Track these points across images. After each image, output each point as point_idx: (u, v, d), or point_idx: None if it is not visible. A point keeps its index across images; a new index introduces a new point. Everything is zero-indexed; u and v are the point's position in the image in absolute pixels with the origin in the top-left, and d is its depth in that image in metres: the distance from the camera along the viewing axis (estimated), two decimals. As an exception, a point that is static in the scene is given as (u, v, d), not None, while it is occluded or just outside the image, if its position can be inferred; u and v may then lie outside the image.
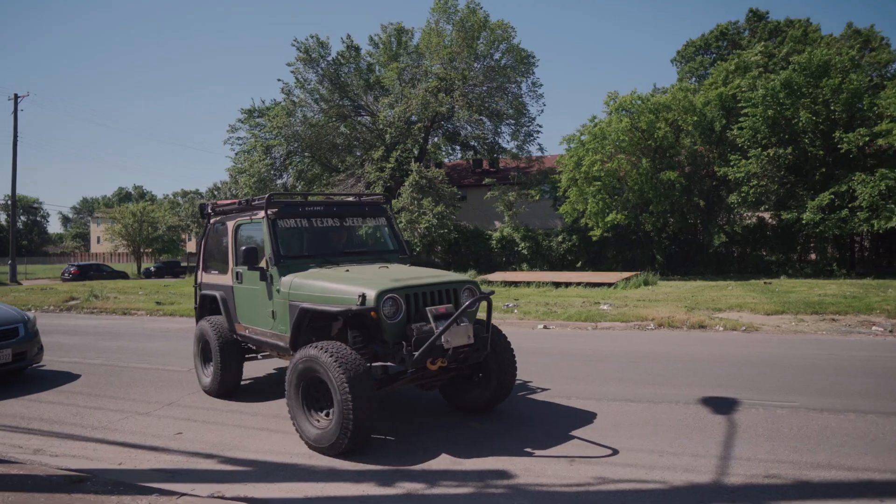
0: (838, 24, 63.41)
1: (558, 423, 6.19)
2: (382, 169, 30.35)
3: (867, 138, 22.93)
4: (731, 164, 25.70)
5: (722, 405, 6.61)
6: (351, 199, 7.76)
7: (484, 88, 32.30)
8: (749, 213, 28.34)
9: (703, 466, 4.91)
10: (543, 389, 7.48)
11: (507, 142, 34.33)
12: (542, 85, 33.37)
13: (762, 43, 31.93)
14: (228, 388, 7.33)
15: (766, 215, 27.68)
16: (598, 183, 26.70)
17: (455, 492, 4.58)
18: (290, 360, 6.66)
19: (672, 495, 4.41)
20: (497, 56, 32.51)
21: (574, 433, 5.87)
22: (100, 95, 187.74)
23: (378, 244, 7.47)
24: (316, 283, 5.86)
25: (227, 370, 7.20)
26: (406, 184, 29.43)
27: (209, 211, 7.78)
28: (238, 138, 36.11)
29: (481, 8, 31.88)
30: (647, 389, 7.39)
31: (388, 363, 5.58)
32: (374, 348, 5.63)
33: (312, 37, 32.34)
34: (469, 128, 33.90)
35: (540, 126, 63.64)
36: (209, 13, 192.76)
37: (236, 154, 36.54)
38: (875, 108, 23.18)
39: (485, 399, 6.36)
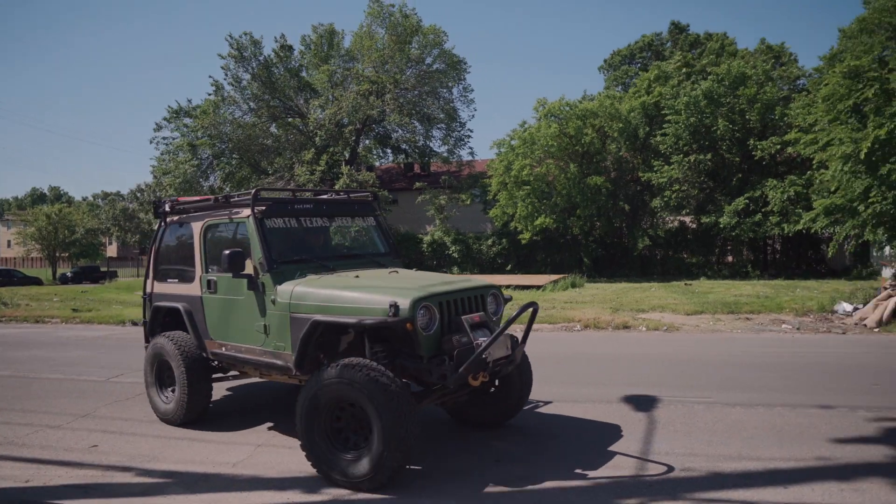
0: (752, 39, 66.71)
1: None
2: (313, 171, 29.96)
3: (778, 146, 24.20)
4: (655, 169, 26.64)
5: (643, 403, 6.83)
6: (333, 196, 6.95)
7: (415, 92, 32.36)
8: (671, 217, 29.40)
9: (624, 462, 5.06)
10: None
11: (439, 146, 34.53)
12: (473, 90, 33.82)
13: (679, 53, 33.25)
14: (196, 414, 6.29)
15: (687, 219, 28.79)
16: (528, 187, 27.15)
17: (381, 496, 4.56)
18: (281, 380, 5.98)
19: (594, 492, 4.53)
20: (429, 61, 32.64)
21: (497, 433, 5.95)
22: (12, 91, 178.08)
23: (369, 246, 6.75)
24: (330, 293, 5.12)
25: (196, 394, 6.17)
26: (336, 187, 29.14)
27: (166, 209, 6.69)
28: (164, 138, 34.96)
29: (415, 13, 31.97)
30: (572, 389, 7.56)
31: (407, 381, 5.14)
32: (403, 364, 5.01)
33: (246, 34, 31.69)
34: (400, 131, 33.89)
35: (471, 130, 64.34)
36: (135, 8, 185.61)
37: (161, 154, 35.36)
38: (785, 118, 24.49)
39: (500, 413, 5.98)
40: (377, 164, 39.81)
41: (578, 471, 4.90)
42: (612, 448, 5.41)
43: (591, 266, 28.88)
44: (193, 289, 6.23)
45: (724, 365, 8.76)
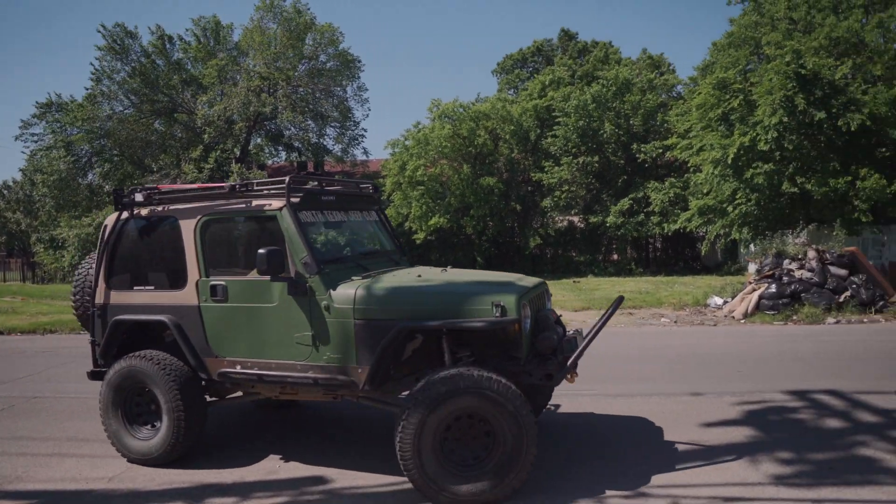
0: (635, 48, 70.36)
1: (356, 424, 6.26)
2: (201, 169, 28.77)
3: (660, 151, 25.68)
4: (545, 170, 27.56)
5: (531, 397, 7.05)
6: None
7: (309, 90, 31.81)
8: (560, 217, 30.45)
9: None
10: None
11: (332, 145, 34.08)
12: (367, 89, 33.59)
13: (562, 59, 34.60)
14: (187, 449, 5.26)
15: (576, 219, 29.94)
16: (422, 187, 27.34)
17: (270, 502, 4.47)
18: (312, 399, 5.37)
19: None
20: (323, 58, 32.17)
21: (385, 433, 5.96)
22: None
23: (377, 243, 6.09)
24: (417, 295, 4.66)
25: (194, 425, 5.16)
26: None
27: (136, 199, 5.43)
28: (33, 134, 32.39)
29: (308, 9, 31.42)
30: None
31: None
32: (498, 367, 4.59)
33: (119, 25, 29.92)
34: (293, 129, 33.18)
35: (365, 130, 63.99)
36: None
37: (32, 152, 32.74)
38: (665, 124, 26.04)
39: (537, 411, 5.76)
40: (269, 162, 38.82)
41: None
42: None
43: (484, 265, 29.41)
44: (184, 297, 5.19)
45: (607, 358, 9.17)
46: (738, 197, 16.68)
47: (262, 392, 5.37)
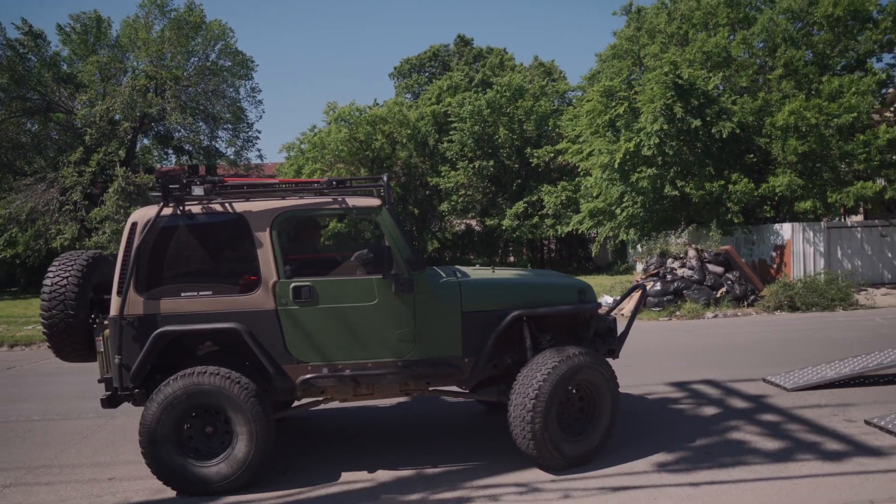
0: (528, 55, 72.55)
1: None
2: (81, 173, 27.04)
3: (552, 155, 26.59)
4: (442, 175, 27.89)
5: (429, 403, 7.12)
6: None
7: (199, 89, 30.61)
8: (458, 221, 30.92)
9: (407, 462, 5.26)
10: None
11: (225, 147, 32.95)
12: (261, 91, 32.72)
13: (458, 64, 35.21)
14: (258, 469, 4.69)
15: (473, 222, 30.48)
16: (320, 191, 26.96)
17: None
18: (392, 397, 5.61)
19: (390, 487, 4.66)
20: (213, 57, 31.04)
21: (307, 438, 5.86)
22: None
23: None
24: (523, 287, 5.32)
25: (269, 442, 4.66)
26: (111, 190, 26.54)
27: (195, 191, 4.79)
28: None
29: (200, 6, 30.22)
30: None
31: None
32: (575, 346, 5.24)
33: (-22, 16, 27.58)
34: (183, 131, 31.81)
35: (259, 132, 62.21)
36: None
37: None
38: (557, 129, 27.00)
39: None
40: (158, 165, 37.04)
41: (375, 466, 5.00)
42: (404, 446, 5.57)
43: (385, 269, 29.34)
44: (257, 301, 4.75)
45: (504, 358, 9.41)
46: (625, 200, 17.55)
47: (333, 396, 5.16)
